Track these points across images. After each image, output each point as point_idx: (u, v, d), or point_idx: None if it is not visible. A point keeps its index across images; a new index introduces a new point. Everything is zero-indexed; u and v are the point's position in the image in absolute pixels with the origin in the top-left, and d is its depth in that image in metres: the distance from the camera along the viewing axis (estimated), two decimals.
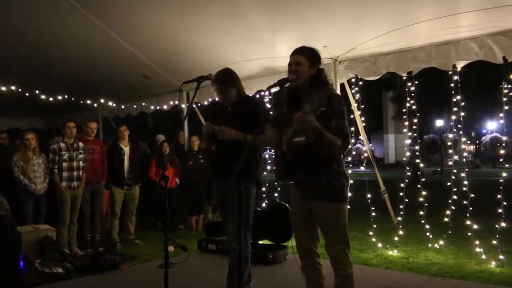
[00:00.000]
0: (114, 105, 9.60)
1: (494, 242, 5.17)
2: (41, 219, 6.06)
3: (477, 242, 5.37)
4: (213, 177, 4.03)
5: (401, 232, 6.04)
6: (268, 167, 6.85)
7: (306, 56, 2.94)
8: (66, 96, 8.80)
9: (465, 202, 5.51)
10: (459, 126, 5.75)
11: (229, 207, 3.70)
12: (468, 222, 5.44)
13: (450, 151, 6.93)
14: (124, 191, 6.82)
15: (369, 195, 6.20)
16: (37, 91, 8.30)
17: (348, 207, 3.03)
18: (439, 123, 27.58)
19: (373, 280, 4.61)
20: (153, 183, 7.55)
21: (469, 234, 5.48)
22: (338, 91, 5.58)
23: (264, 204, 7.01)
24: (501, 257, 5.09)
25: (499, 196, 5.04)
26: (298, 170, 2.91)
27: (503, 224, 5.05)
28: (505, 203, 5.01)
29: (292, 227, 3.13)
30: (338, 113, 2.83)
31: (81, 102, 9.31)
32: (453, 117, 5.76)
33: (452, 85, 5.39)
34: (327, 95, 2.82)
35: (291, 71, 2.94)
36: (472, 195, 5.45)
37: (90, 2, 5.44)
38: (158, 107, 8.93)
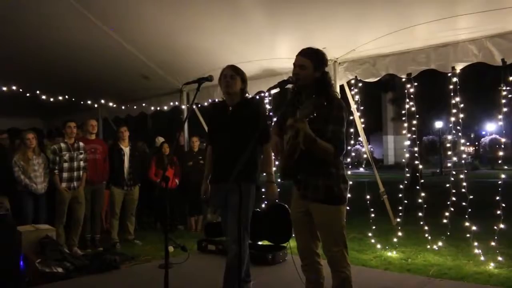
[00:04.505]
0: (114, 105, 9.61)
1: (493, 243, 5.18)
2: (42, 219, 6.06)
3: (475, 244, 5.38)
4: (212, 179, 4.02)
5: (400, 234, 6.05)
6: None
7: (311, 59, 2.91)
8: (66, 97, 8.82)
9: (464, 203, 5.52)
10: (458, 127, 5.77)
11: (230, 208, 3.70)
12: (467, 224, 5.45)
13: (449, 152, 6.95)
14: (124, 192, 6.82)
15: (368, 196, 6.22)
16: (37, 91, 8.32)
17: (348, 208, 3.03)
18: (439, 124, 27.56)
19: (372, 281, 4.63)
20: (152, 184, 7.57)
21: (468, 235, 5.48)
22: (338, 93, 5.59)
23: (263, 205, 7.01)
24: (500, 258, 5.11)
25: (497, 198, 5.07)
26: (298, 171, 2.92)
27: (501, 226, 5.07)
28: (503, 205, 5.04)
29: (292, 226, 3.14)
30: (336, 119, 2.82)
31: (81, 102, 9.32)
32: (452, 119, 5.78)
33: (451, 87, 5.41)
34: (328, 99, 2.81)
35: (293, 73, 2.93)
36: (471, 197, 5.47)
37: (91, 2, 5.45)
38: (158, 108, 8.95)
